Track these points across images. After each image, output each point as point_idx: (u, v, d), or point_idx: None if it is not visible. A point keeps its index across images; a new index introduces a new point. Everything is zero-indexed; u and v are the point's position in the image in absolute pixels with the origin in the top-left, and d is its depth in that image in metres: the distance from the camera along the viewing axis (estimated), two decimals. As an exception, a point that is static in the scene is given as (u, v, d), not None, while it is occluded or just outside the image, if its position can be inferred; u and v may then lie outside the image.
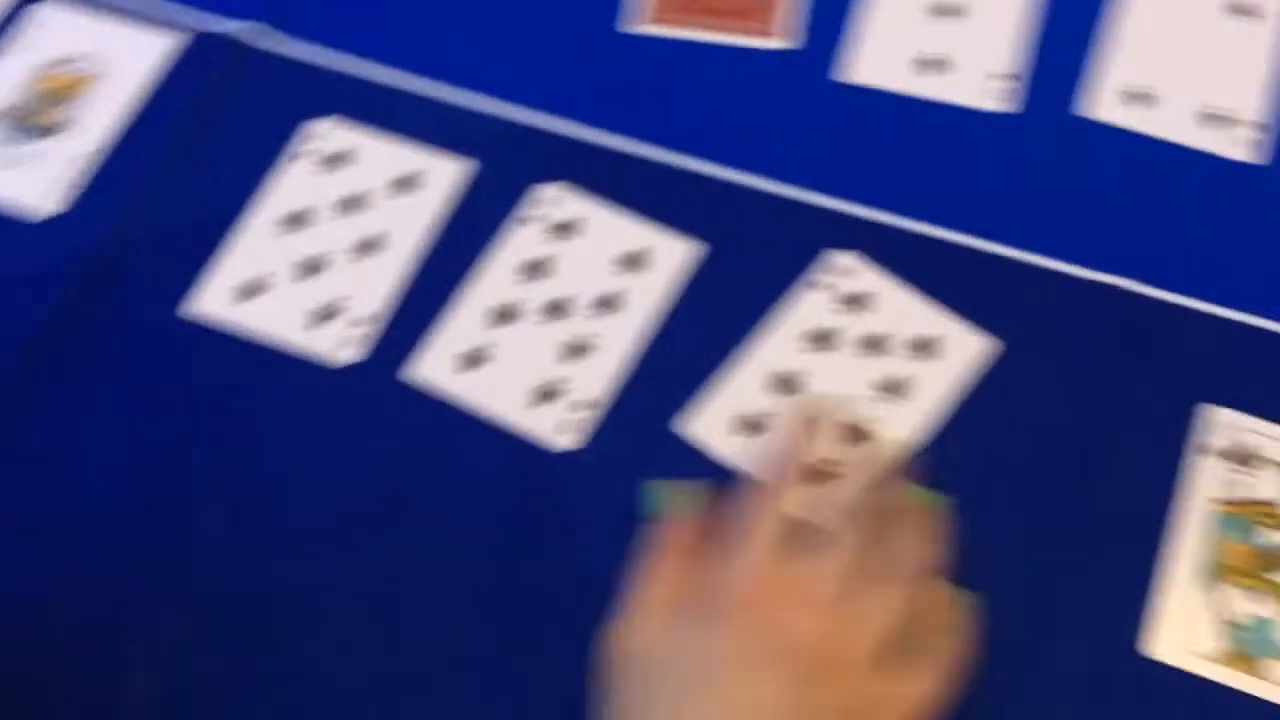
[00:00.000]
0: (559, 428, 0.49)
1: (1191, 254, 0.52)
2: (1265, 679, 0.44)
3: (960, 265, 0.52)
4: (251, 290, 0.52)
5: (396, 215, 0.54)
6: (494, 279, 0.53)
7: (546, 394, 0.50)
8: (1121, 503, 0.47)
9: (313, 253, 0.53)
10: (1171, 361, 0.50)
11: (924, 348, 0.50)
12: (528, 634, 0.46)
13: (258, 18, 0.61)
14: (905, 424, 0.48)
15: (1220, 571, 0.46)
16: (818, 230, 0.53)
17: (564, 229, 0.54)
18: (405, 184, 0.55)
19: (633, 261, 0.53)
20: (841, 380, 0.49)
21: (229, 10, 0.61)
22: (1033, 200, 0.54)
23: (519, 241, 0.53)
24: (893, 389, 0.49)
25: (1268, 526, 0.46)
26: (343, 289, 0.52)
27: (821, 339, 0.50)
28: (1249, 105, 0.55)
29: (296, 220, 0.54)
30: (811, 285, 0.51)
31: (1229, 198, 0.54)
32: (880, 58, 0.59)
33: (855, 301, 0.51)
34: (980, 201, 0.54)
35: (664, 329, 0.51)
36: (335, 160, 0.56)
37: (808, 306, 0.51)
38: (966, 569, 0.45)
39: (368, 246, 0.53)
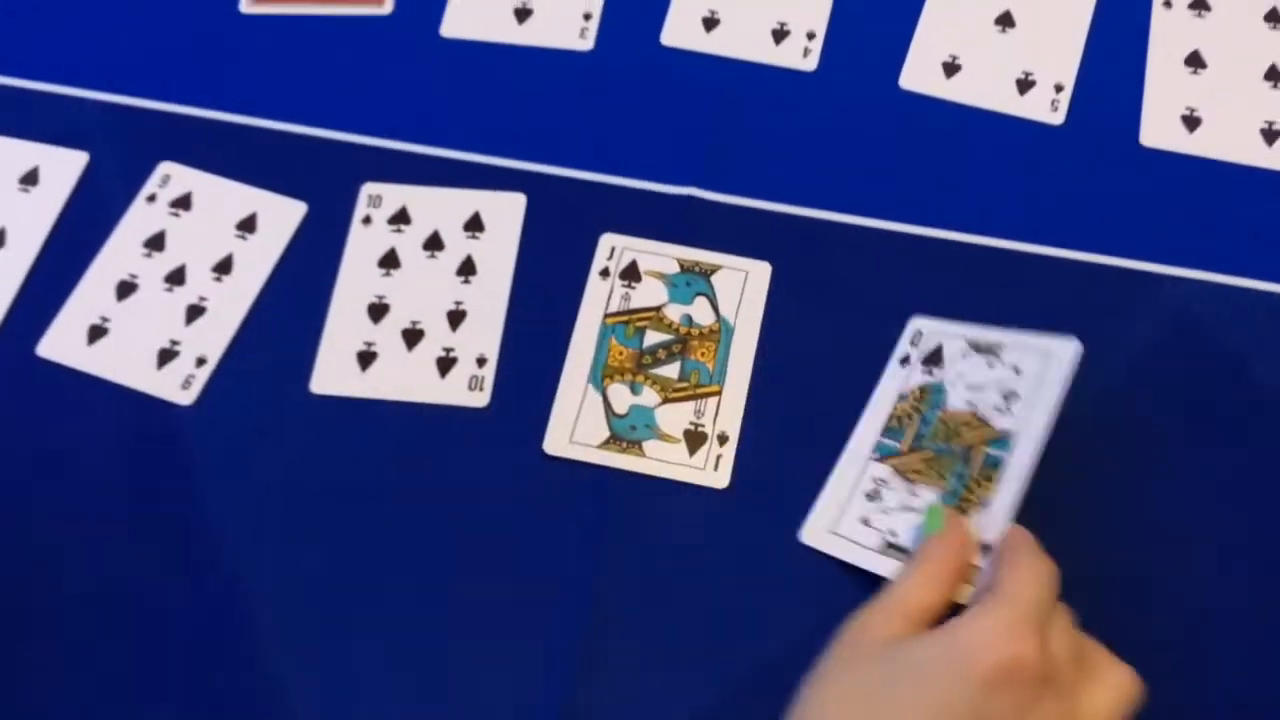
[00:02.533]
0: (183, 384, 0.53)
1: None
2: (648, 457, 0.52)
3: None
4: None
5: (15, 212, 0.57)
6: (117, 255, 0.56)
7: (168, 355, 0.54)
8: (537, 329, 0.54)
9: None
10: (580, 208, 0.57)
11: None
12: (150, 579, 0.50)
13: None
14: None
15: (609, 373, 0.53)
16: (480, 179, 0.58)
17: (180, 202, 0.58)
18: (26, 179, 0.58)
19: (245, 225, 0.57)
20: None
21: None
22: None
23: (140, 218, 0.57)
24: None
25: (648, 329, 0.54)
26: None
27: (391, 262, 0.56)
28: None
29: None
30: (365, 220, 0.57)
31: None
32: (478, 12, 0.64)
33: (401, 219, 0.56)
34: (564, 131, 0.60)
35: (276, 286, 0.56)
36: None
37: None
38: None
39: (-6, 243, 0.57)
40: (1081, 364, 0.48)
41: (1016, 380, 0.50)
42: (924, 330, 0.54)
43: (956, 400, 0.51)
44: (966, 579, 0.46)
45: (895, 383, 0.53)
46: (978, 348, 0.52)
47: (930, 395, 0.52)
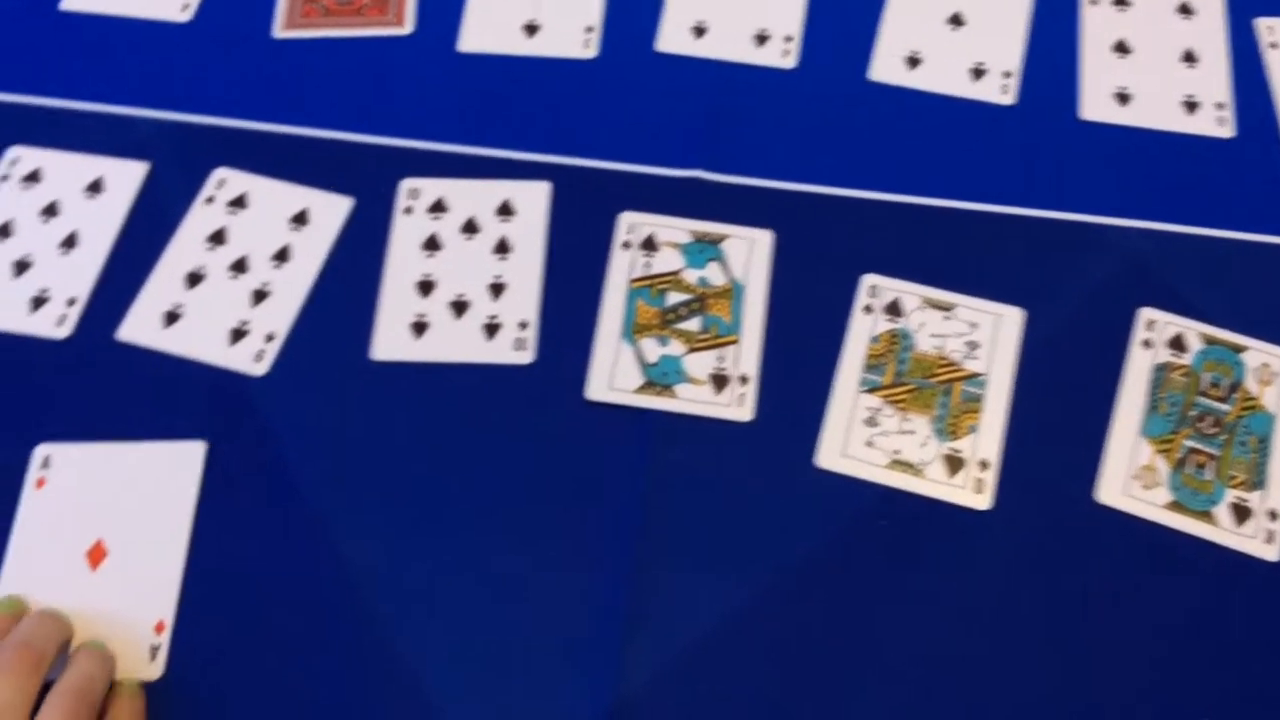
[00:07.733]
0: (256, 357, 0.59)
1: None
2: (681, 398, 0.59)
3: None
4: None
5: (85, 216, 0.63)
6: (183, 250, 0.62)
7: (239, 334, 0.60)
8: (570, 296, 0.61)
9: (18, 256, 0.62)
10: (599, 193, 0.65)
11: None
12: (246, 523, 0.56)
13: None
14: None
15: (638, 329, 0.61)
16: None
17: (236, 202, 0.64)
18: (92, 188, 0.64)
19: (298, 219, 0.63)
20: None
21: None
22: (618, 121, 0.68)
23: (201, 217, 0.63)
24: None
25: (669, 290, 0.62)
26: (50, 280, 0.61)
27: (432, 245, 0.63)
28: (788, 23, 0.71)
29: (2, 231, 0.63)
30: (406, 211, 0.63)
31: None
32: (491, 28, 0.72)
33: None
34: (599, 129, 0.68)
35: (331, 270, 0.63)
36: (29, 179, 0.65)
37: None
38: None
39: (68, 243, 0.62)
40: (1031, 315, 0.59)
41: (974, 332, 0.60)
42: (878, 285, 0.62)
43: (924, 344, 0.60)
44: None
45: (864, 328, 0.61)
46: (932, 304, 0.61)
47: (900, 339, 0.60)
